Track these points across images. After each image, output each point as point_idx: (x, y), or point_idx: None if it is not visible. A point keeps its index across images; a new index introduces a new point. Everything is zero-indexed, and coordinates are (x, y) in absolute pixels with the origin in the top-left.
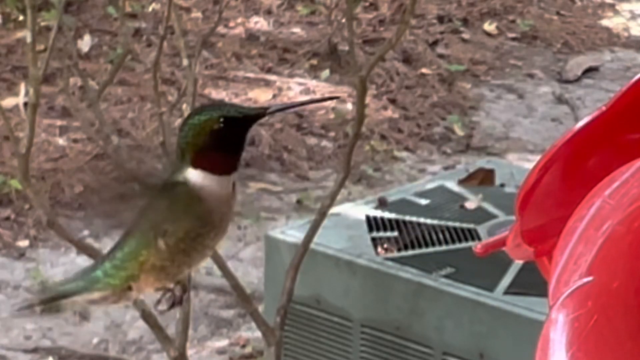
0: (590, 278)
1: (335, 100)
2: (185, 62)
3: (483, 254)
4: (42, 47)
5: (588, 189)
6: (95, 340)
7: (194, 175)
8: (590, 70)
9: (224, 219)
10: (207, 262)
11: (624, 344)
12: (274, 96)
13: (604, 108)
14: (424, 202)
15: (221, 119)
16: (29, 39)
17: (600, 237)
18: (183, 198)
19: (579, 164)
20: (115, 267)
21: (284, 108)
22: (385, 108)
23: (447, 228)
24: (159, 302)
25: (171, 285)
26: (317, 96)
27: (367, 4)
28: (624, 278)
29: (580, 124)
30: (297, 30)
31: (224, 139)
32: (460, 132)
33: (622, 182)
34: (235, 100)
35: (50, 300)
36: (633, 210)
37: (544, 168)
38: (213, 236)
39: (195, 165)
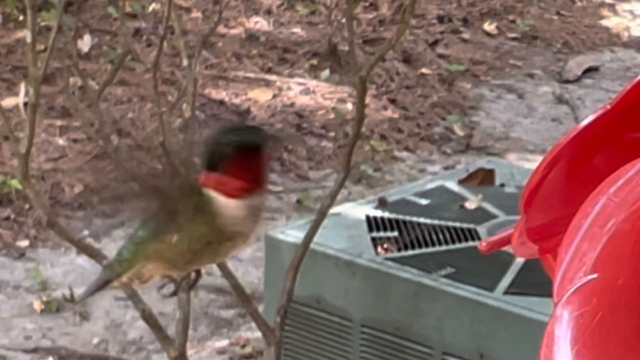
0: (595, 275)
1: (335, 100)
2: (185, 62)
3: (487, 252)
4: (42, 47)
5: (593, 187)
6: (95, 340)
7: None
8: (590, 70)
9: (237, 237)
10: None
11: (628, 340)
12: (274, 96)
13: (608, 106)
14: (424, 202)
15: (232, 146)
16: (29, 39)
17: (605, 234)
18: (202, 207)
19: (583, 162)
20: (137, 244)
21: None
22: (385, 108)
23: (447, 228)
24: (162, 286)
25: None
26: (318, 96)
27: (367, 4)
28: (629, 275)
29: (585, 122)
30: (297, 30)
31: (237, 164)
32: (460, 132)
33: (626, 180)
34: (235, 100)
35: (97, 290)
36: (638, 208)
37: (548, 166)
38: (226, 247)
39: (209, 184)
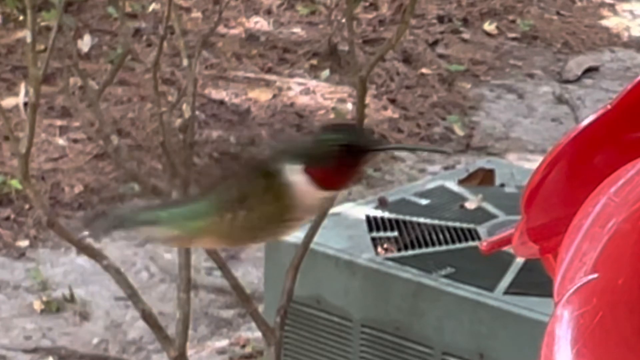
0: (595, 275)
1: (335, 100)
2: (185, 62)
3: (488, 251)
4: (42, 47)
5: (593, 187)
6: (95, 340)
7: (299, 178)
8: (590, 70)
9: (296, 225)
10: (207, 263)
11: (628, 340)
12: (274, 96)
13: (609, 106)
14: (424, 202)
15: (346, 145)
16: (29, 39)
17: (605, 234)
18: (277, 189)
19: (584, 161)
20: (192, 212)
21: (393, 148)
22: (385, 108)
23: (447, 228)
24: None
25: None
26: (318, 96)
27: (367, 4)
28: (629, 275)
29: (586, 121)
30: (297, 30)
31: (340, 162)
32: (460, 132)
33: (627, 180)
34: (235, 100)
35: (129, 225)
36: (638, 207)
37: (549, 166)
38: (278, 232)
39: (306, 173)
